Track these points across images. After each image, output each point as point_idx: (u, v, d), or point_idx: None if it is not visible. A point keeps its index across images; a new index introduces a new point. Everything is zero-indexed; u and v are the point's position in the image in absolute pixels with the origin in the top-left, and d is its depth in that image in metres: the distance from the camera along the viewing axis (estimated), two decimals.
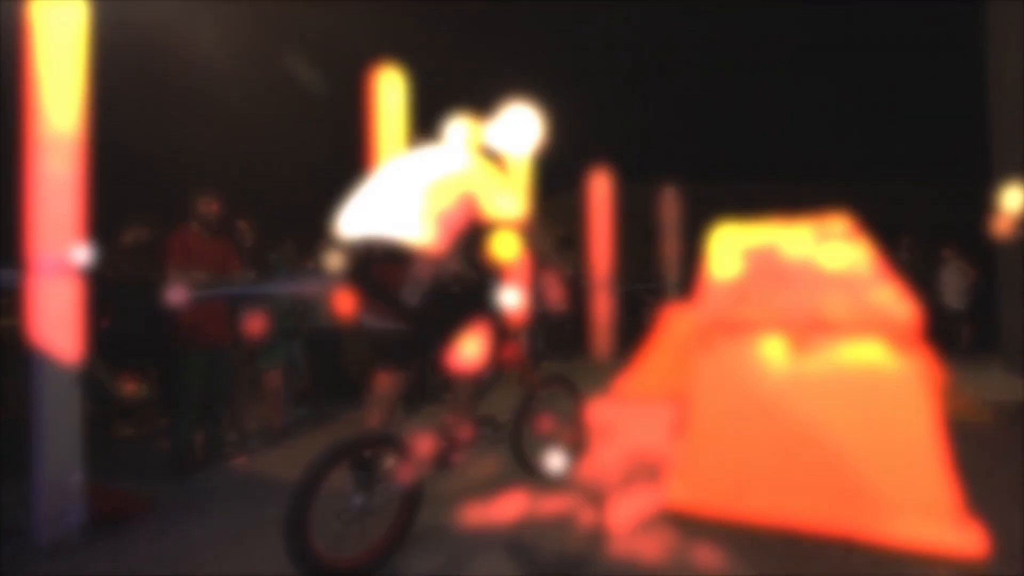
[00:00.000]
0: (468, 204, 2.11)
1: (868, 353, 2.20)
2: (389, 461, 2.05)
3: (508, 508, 2.62)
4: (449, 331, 2.12)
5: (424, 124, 4.72)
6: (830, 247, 3.12)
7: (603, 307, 7.97)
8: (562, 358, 7.99)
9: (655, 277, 9.52)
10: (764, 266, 3.05)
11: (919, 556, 1.94)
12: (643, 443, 3.63)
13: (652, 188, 9.48)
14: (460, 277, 2.15)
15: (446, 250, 2.03)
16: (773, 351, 2.36)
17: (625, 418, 4.38)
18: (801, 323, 2.29)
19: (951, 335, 7.90)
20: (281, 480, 3.11)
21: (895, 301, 2.24)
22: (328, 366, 5.38)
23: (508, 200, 2.20)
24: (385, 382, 2.18)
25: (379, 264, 2.00)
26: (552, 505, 2.62)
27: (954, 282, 7.77)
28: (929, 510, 1.96)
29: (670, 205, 8.97)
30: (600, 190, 7.98)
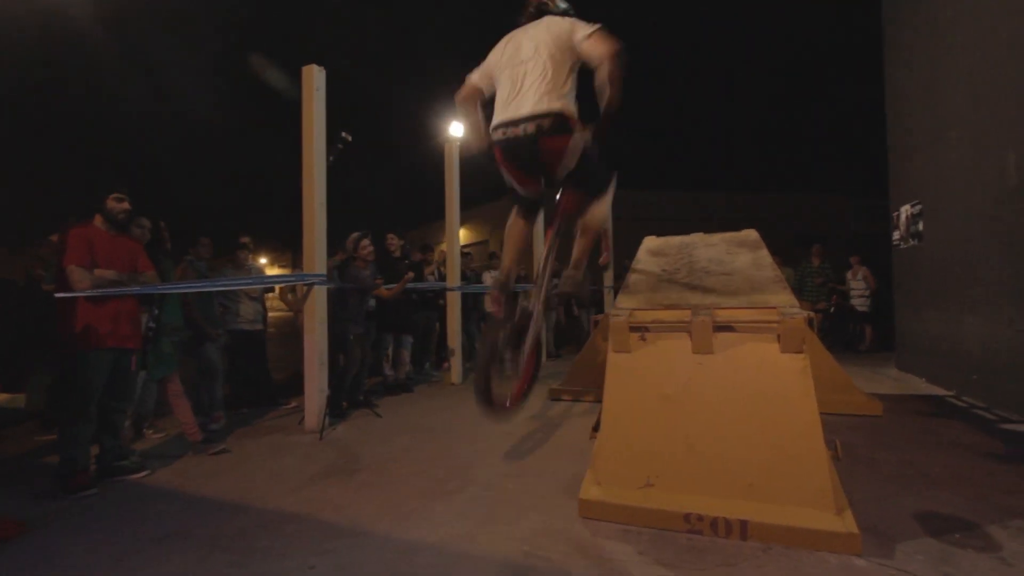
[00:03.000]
0: (577, 57, 2.36)
1: (762, 353, 2.34)
2: (525, 328, 2.65)
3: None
4: (589, 188, 2.53)
5: (353, 126, 4.63)
6: (740, 254, 3.32)
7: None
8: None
9: (592, 279, 9.74)
10: (679, 271, 3.19)
11: (804, 541, 2.08)
12: (571, 443, 3.70)
13: None
14: (592, 145, 2.40)
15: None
16: (679, 351, 2.46)
17: (557, 418, 4.45)
18: (706, 325, 2.41)
19: (856, 335, 8.61)
20: (182, 494, 2.92)
21: (788, 304, 2.40)
22: (250, 369, 5.11)
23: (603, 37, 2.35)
24: (520, 231, 2.64)
25: (548, 136, 2.24)
26: (463, 508, 2.61)
27: (860, 287, 8.47)
28: (811, 498, 2.10)
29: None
30: None
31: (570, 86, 2.35)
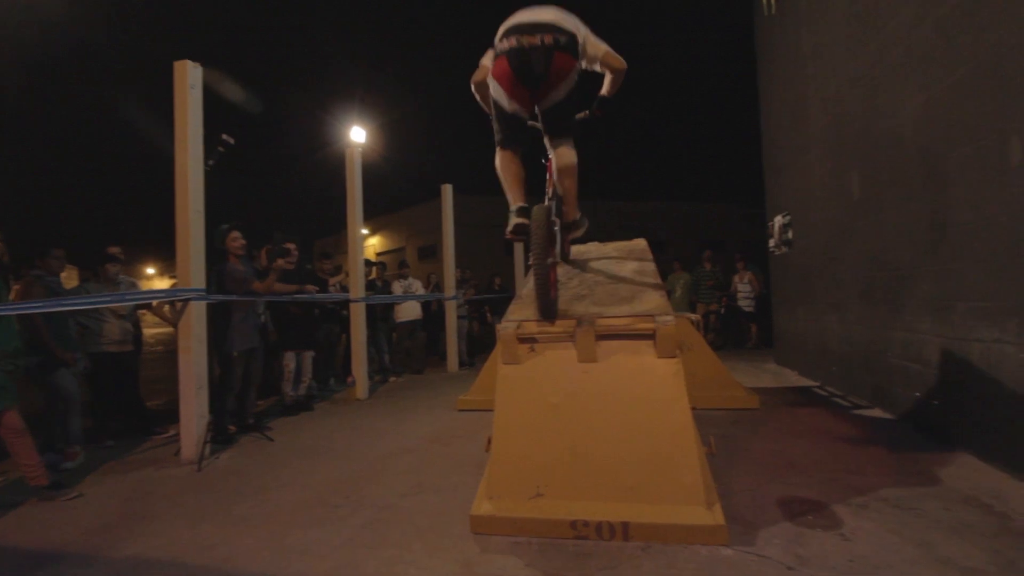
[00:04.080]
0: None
1: (641, 359, 2.45)
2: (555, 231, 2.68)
3: None
4: (564, 129, 2.71)
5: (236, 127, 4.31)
6: (627, 263, 3.48)
7: (452, 318, 7.99)
8: (412, 370, 7.83)
9: (504, 289, 9.83)
10: (571, 280, 3.28)
11: (679, 537, 2.19)
12: (475, 455, 3.65)
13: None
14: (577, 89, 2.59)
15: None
16: (566, 361, 2.52)
17: (461, 430, 4.40)
18: (589, 334, 2.48)
19: (742, 333, 9.43)
20: (14, 551, 2.51)
21: (664, 312, 2.54)
22: (118, 396, 4.55)
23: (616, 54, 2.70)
24: (511, 162, 2.72)
25: (562, 52, 2.39)
26: (353, 534, 2.48)
27: (745, 290, 9.29)
28: (684, 495, 2.23)
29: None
30: (447, 200, 8.01)
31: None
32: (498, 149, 2.74)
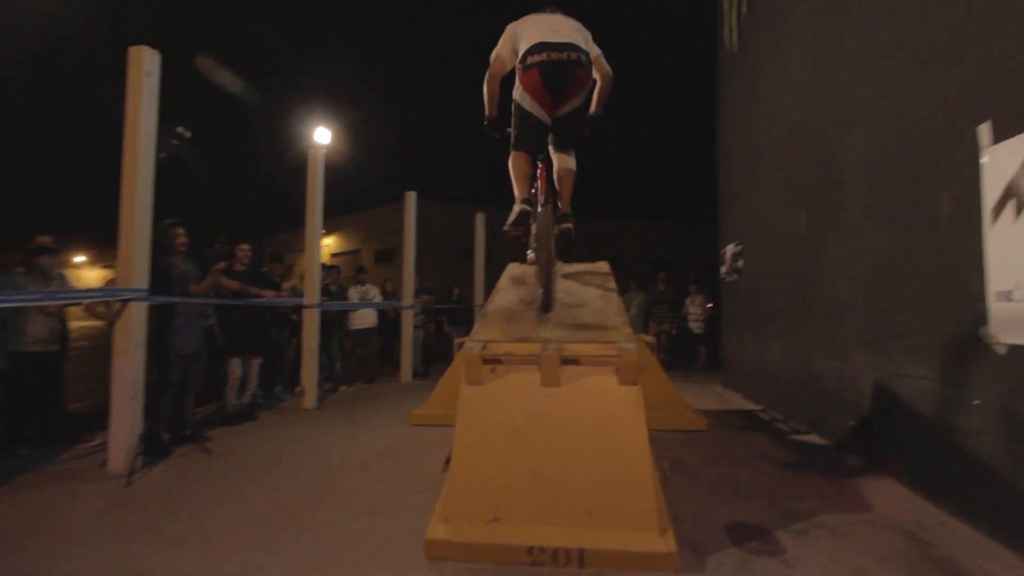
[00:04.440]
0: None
1: (603, 384, 2.49)
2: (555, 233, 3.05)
3: None
4: (569, 140, 3.24)
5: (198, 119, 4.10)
6: (591, 286, 3.54)
7: (408, 327, 7.85)
8: (364, 380, 7.62)
9: (462, 299, 9.78)
10: (535, 301, 3.30)
11: (632, 564, 2.22)
12: (430, 474, 3.58)
13: (471, 209, 9.79)
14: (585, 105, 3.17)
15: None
16: (529, 384, 2.52)
17: (415, 445, 4.30)
18: (553, 359, 2.49)
19: (692, 354, 9.78)
20: None
21: (626, 338, 2.59)
22: (37, 399, 4.17)
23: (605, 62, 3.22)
24: (523, 162, 3.14)
25: (582, 68, 2.92)
26: (297, 560, 2.37)
27: (697, 312, 9.65)
28: (639, 522, 2.27)
29: (480, 230, 9.34)
30: (410, 208, 7.91)
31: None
32: (513, 151, 3.16)
